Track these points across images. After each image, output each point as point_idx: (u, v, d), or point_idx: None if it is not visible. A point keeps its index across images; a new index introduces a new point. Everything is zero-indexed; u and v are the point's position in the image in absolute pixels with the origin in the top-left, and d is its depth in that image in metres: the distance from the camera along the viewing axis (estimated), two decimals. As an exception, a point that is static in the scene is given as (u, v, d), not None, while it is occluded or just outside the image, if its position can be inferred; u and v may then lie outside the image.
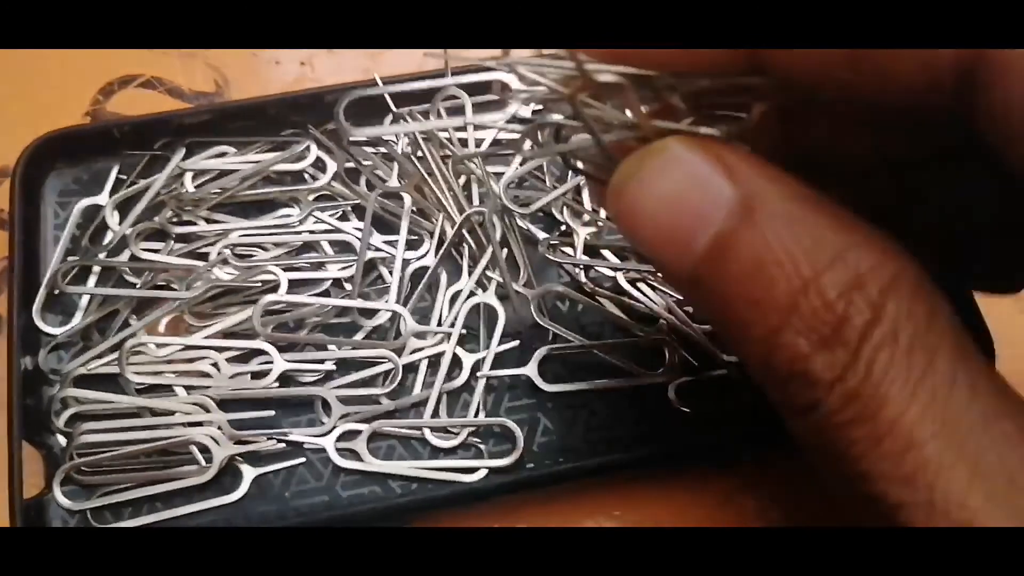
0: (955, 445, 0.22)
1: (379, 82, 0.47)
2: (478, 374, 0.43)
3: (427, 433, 0.42)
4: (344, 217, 0.46)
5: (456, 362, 0.43)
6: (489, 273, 0.44)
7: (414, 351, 0.43)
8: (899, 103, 0.24)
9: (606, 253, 0.46)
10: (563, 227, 0.46)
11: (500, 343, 0.43)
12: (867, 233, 0.24)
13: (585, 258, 0.45)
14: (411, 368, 0.43)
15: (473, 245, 0.45)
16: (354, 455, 0.41)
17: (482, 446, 0.42)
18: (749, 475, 0.43)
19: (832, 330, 0.23)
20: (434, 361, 0.43)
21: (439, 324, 0.44)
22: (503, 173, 0.47)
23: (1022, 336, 0.44)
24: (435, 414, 0.42)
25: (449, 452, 0.42)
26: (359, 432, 0.42)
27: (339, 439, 0.42)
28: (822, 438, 0.24)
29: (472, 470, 0.41)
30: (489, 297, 0.44)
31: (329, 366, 0.43)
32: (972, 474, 0.21)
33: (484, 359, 0.43)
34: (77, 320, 0.43)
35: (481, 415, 0.43)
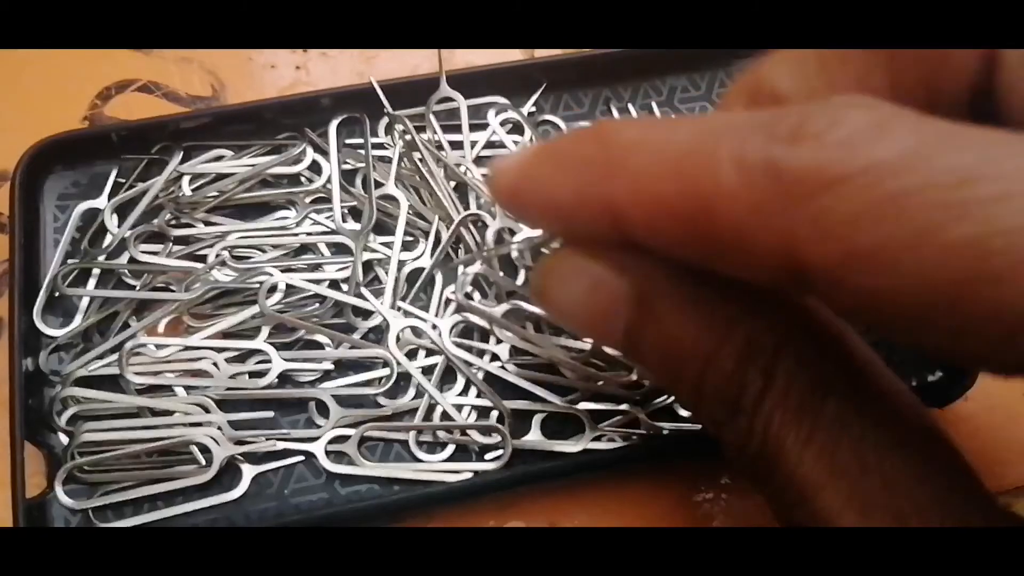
0: (845, 490, 0.24)
1: (375, 85, 0.47)
2: (471, 374, 0.43)
3: (412, 444, 0.43)
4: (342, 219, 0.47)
5: (449, 367, 0.44)
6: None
7: (408, 351, 0.44)
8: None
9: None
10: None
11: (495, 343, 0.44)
12: (754, 303, 0.26)
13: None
14: (407, 365, 0.43)
15: (472, 245, 0.46)
16: (347, 458, 0.42)
17: (473, 447, 0.43)
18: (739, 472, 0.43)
19: (734, 399, 0.25)
20: (428, 363, 0.44)
21: (434, 327, 0.44)
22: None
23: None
24: (427, 418, 0.43)
25: (443, 450, 0.43)
26: (351, 435, 0.42)
27: (331, 441, 0.42)
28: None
29: (463, 471, 0.42)
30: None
31: (327, 366, 0.43)
32: (859, 515, 0.24)
33: (477, 360, 0.44)
34: (77, 322, 0.44)
35: (473, 416, 0.43)
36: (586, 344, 0.43)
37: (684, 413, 0.43)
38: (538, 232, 0.39)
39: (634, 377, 0.43)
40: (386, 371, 0.43)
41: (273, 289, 0.44)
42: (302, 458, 0.42)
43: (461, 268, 0.45)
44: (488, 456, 0.42)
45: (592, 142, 0.25)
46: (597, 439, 0.43)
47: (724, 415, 0.26)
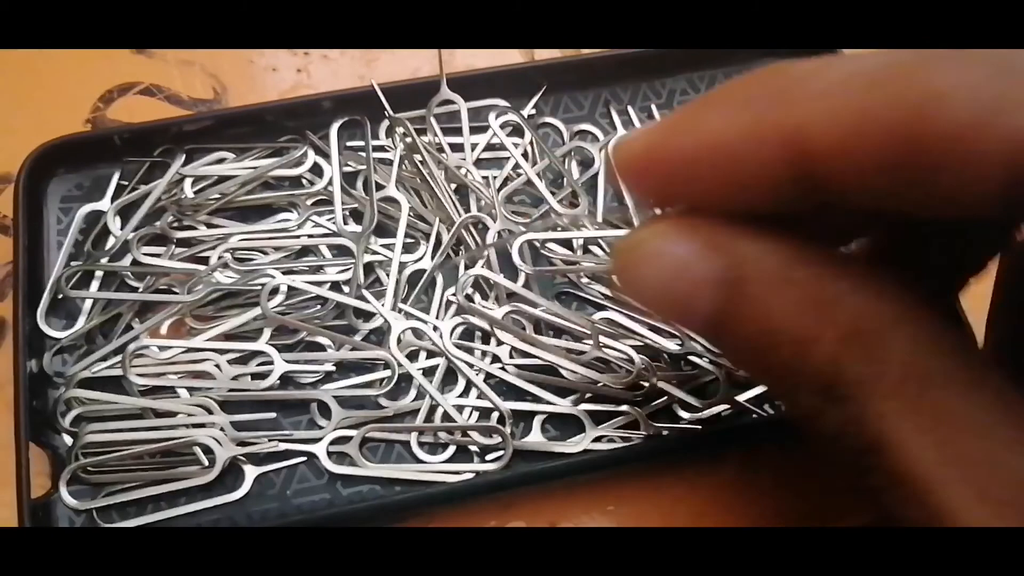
0: (974, 487, 0.22)
1: (376, 88, 0.47)
2: (472, 375, 0.44)
3: (413, 445, 0.43)
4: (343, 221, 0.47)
5: (450, 369, 0.44)
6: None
7: (409, 353, 0.44)
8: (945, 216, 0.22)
9: (598, 251, 0.47)
10: (559, 228, 0.47)
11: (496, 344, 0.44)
12: (861, 277, 0.24)
13: (576, 255, 0.46)
14: (408, 367, 0.44)
15: (472, 245, 0.46)
16: (348, 459, 0.42)
17: (473, 448, 0.43)
18: (739, 471, 0.44)
19: (835, 385, 0.23)
20: (429, 364, 0.44)
21: (435, 329, 0.44)
22: (495, 175, 0.48)
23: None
24: (428, 419, 0.43)
25: (444, 451, 0.43)
26: (352, 436, 0.42)
27: (333, 443, 0.42)
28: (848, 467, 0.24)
29: (464, 472, 0.42)
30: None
31: (329, 367, 0.44)
32: (992, 514, 0.21)
33: (478, 361, 0.44)
34: (81, 324, 0.44)
35: (474, 417, 0.43)
36: (586, 346, 0.44)
37: (684, 414, 0.44)
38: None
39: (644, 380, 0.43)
40: (387, 372, 0.43)
41: (275, 291, 0.44)
42: (304, 459, 0.42)
43: (462, 267, 0.45)
44: (489, 457, 0.43)
45: (768, 76, 0.24)
46: (597, 440, 0.43)
47: (821, 402, 0.24)
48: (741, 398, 0.44)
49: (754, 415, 0.44)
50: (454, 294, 0.45)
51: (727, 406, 0.44)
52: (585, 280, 0.46)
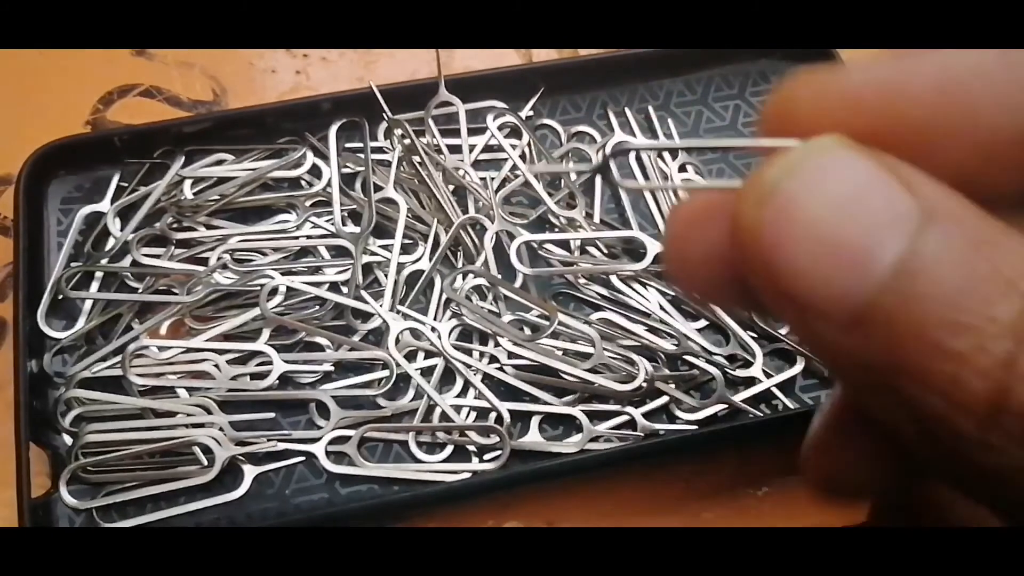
0: None
1: (374, 90, 0.48)
2: (469, 376, 0.44)
3: (411, 445, 0.43)
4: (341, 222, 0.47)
5: (447, 369, 0.44)
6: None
7: (407, 353, 0.44)
8: None
9: (596, 252, 0.47)
10: (556, 229, 0.47)
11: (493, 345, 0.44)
12: None
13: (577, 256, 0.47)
14: (406, 367, 0.44)
15: (471, 246, 0.46)
16: (347, 459, 0.43)
17: (471, 447, 0.43)
18: (735, 470, 0.44)
19: None
20: (427, 364, 0.45)
21: (433, 329, 0.45)
22: (493, 177, 0.48)
23: None
24: (426, 419, 0.43)
25: (442, 451, 0.43)
26: (351, 436, 0.43)
27: (331, 442, 0.43)
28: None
29: (462, 471, 0.43)
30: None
31: (327, 367, 0.44)
32: None
33: (476, 362, 0.44)
34: (81, 324, 0.44)
35: (472, 417, 0.44)
36: (584, 348, 0.44)
37: (681, 415, 0.44)
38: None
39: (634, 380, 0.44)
40: (386, 373, 0.43)
41: (274, 292, 0.44)
42: (303, 458, 0.43)
43: (460, 279, 0.45)
44: (487, 456, 0.43)
45: None
46: (594, 440, 0.43)
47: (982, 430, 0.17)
48: (737, 398, 0.44)
49: (750, 415, 0.44)
50: (454, 289, 0.45)
51: (723, 406, 0.44)
52: (583, 281, 0.46)
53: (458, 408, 0.44)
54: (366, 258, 0.46)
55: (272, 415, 0.43)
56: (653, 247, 0.46)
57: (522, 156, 0.49)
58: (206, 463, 0.42)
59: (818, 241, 0.18)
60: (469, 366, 0.44)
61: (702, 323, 0.46)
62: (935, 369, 0.17)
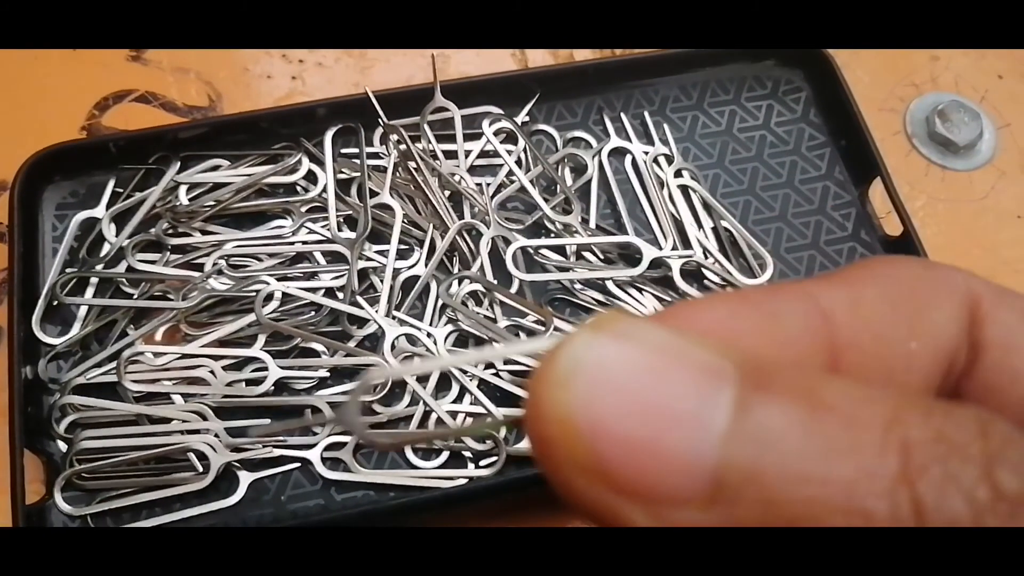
0: None
1: (370, 96, 0.48)
2: (465, 381, 0.44)
3: (407, 450, 0.43)
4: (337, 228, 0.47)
5: (443, 375, 0.44)
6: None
7: (403, 359, 0.44)
8: None
9: (591, 258, 0.47)
10: (552, 235, 0.47)
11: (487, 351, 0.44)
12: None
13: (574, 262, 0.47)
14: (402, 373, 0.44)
15: (467, 252, 0.46)
16: (343, 464, 0.43)
17: (467, 453, 0.43)
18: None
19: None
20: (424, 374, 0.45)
21: (429, 335, 0.45)
22: (488, 182, 0.48)
23: None
24: (422, 424, 0.43)
25: (437, 457, 0.43)
26: (346, 442, 0.43)
27: (327, 448, 0.43)
28: None
29: (458, 477, 0.43)
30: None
31: (323, 373, 0.44)
32: None
33: (472, 368, 0.44)
34: (76, 330, 0.44)
35: (468, 422, 0.44)
36: None
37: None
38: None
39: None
40: (381, 379, 0.43)
41: (269, 297, 0.44)
42: (298, 465, 0.42)
43: (456, 284, 0.45)
44: (482, 463, 0.43)
45: None
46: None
47: None
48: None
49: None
50: (450, 295, 0.45)
51: None
52: (579, 286, 0.46)
53: (454, 414, 0.43)
54: (362, 264, 0.46)
55: (268, 422, 0.43)
56: (649, 253, 0.46)
57: (518, 161, 0.49)
58: (201, 469, 0.42)
59: (643, 406, 0.16)
60: (465, 372, 0.44)
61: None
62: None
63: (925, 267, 0.22)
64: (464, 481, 0.42)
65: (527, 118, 0.51)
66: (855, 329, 0.20)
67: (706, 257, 0.48)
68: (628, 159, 0.51)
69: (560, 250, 0.47)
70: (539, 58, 0.55)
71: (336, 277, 0.46)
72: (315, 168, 0.48)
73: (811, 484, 0.15)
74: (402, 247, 0.47)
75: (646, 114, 0.52)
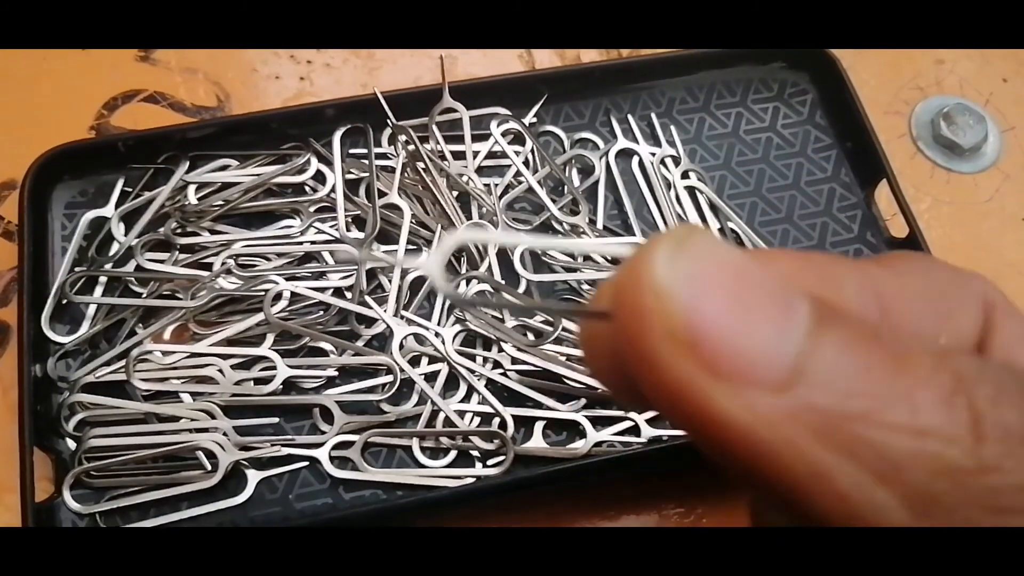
0: None
1: (378, 96, 0.48)
2: (473, 381, 0.44)
3: (415, 450, 0.43)
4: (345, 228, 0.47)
5: (451, 374, 0.45)
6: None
7: (411, 358, 0.44)
8: None
9: (599, 258, 0.47)
10: (559, 235, 0.48)
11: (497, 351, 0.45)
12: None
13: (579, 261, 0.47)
14: (410, 372, 0.44)
15: (475, 252, 0.46)
16: (350, 464, 0.43)
17: (475, 452, 0.43)
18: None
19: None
20: (431, 370, 0.45)
21: (437, 335, 0.45)
22: (496, 183, 0.48)
23: None
24: (430, 424, 0.44)
25: (445, 456, 0.43)
26: (355, 441, 0.43)
27: (335, 447, 0.43)
28: None
29: (466, 476, 0.43)
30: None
31: (331, 372, 0.44)
32: None
33: (480, 367, 0.44)
34: (85, 329, 0.44)
35: (475, 422, 0.44)
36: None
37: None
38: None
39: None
40: (389, 378, 0.44)
41: (278, 297, 0.44)
42: (306, 463, 0.43)
43: (464, 283, 0.46)
44: (490, 462, 0.43)
45: None
46: (598, 445, 0.43)
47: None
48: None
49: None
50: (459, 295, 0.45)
51: None
52: (586, 286, 0.47)
53: (462, 413, 0.44)
54: (370, 263, 0.46)
55: (276, 420, 0.43)
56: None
57: (525, 162, 0.49)
58: (210, 468, 0.42)
59: (738, 295, 0.17)
60: (473, 371, 0.44)
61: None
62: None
63: (956, 272, 0.23)
64: (472, 480, 0.42)
65: (535, 119, 0.51)
66: (898, 314, 0.22)
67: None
68: (635, 160, 0.51)
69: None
70: (546, 60, 0.55)
71: (344, 277, 0.46)
72: (323, 168, 0.48)
73: (871, 398, 0.17)
74: (410, 247, 0.47)
75: (653, 116, 0.52)
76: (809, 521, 0.18)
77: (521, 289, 0.46)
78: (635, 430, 0.44)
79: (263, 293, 0.44)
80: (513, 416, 0.43)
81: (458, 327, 0.45)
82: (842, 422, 0.17)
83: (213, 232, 0.47)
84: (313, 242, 0.47)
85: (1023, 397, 0.17)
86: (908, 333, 0.22)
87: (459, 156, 0.49)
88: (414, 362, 0.44)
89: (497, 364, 0.44)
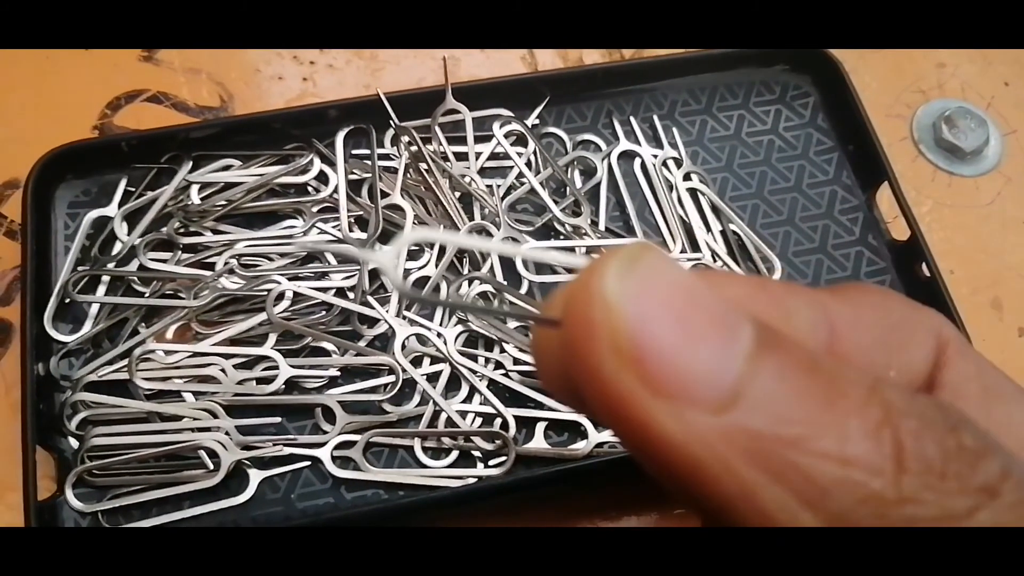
0: None
1: (381, 97, 0.48)
2: (475, 381, 0.44)
3: (417, 450, 0.43)
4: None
5: (453, 375, 0.45)
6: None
7: (413, 359, 0.44)
8: None
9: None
10: (561, 236, 0.48)
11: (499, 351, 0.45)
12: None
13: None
14: (412, 373, 0.44)
15: (477, 253, 0.46)
16: (352, 463, 0.43)
17: (476, 453, 0.43)
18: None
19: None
20: (433, 370, 0.45)
21: (439, 335, 0.45)
22: (499, 184, 0.48)
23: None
24: (432, 424, 0.44)
25: (447, 456, 0.43)
26: (357, 441, 0.43)
27: (337, 447, 0.43)
28: None
29: (468, 476, 0.43)
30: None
31: (333, 372, 0.44)
32: None
33: (482, 368, 0.44)
34: (87, 328, 0.45)
35: (477, 422, 0.44)
36: None
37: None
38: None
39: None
40: (391, 378, 0.44)
41: (280, 297, 0.45)
42: (308, 463, 0.43)
43: (466, 284, 0.46)
44: (492, 462, 0.43)
45: None
46: (599, 446, 0.43)
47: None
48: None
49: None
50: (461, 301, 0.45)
51: None
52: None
53: (464, 414, 0.44)
54: (372, 264, 0.46)
55: (278, 419, 0.43)
56: (658, 255, 0.46)
57: (528, 164, 0.49)
58: (212, 467, 0.42)
59: (684, 316, 0.18)
60: (475, 372, 0.44)
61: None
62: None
63: (912, 307, 0.24)
64: (473, 480, 0.42)
65: (537, 121, 0.52)
66: (850, 346, 0.23)
67: (714, 260, 0.48)
68: (637, 162, 0.51)
69: (570, 252, 0.47)
70: (549, 61, 0.55)
71: (347, 277, 0.46)
72: (326, 169, 0.48)
73: (803, 425, 0.18)
74: (413, 248, 0.47)
75: (655, 118, 0.53)
76: None
77: (523, 290, 0.46)
78: (636, 431, 0.44)
79: (266, 293, 0.44)
80: (514, 417, 0.43)
81: (460, 328, 0.45)
82: (774, 446, 0.18)
83: (216, 232, 0.47)
84: (316, 242, 0.47)
85: (946, 432, 0.18)
86: (858, 364, 0.22)
87: (462, 157, 0.49)
88: (416, 362, 0.44)
89: (499, 365, 0.45)
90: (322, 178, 0.48)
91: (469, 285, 0.46)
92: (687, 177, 0.51)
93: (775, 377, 0.18)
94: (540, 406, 0.44)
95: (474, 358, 0.45)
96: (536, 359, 0.22)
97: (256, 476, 0.42)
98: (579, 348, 0.18)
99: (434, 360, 0.45)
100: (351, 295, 0.45)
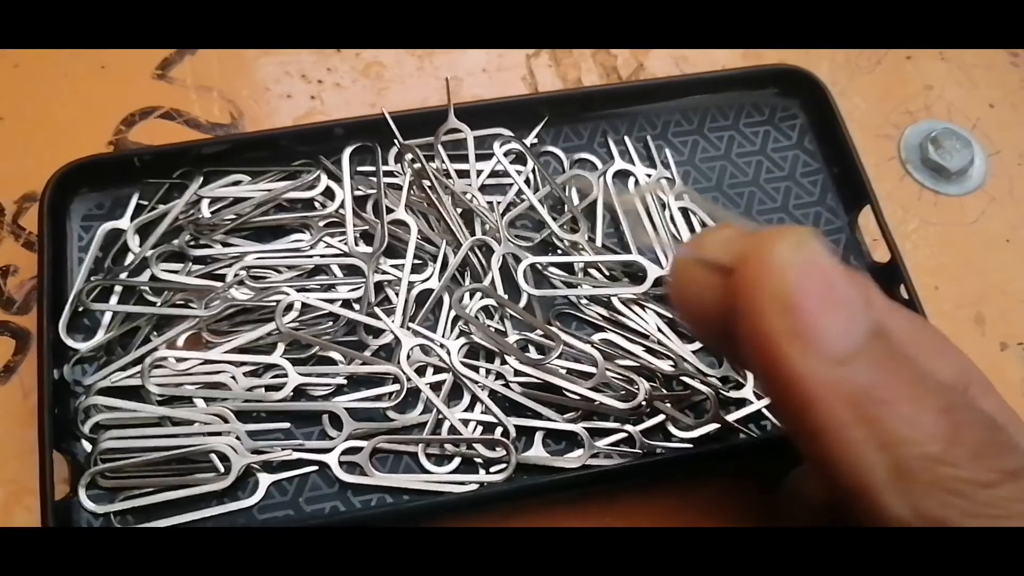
0: None
1: (386, 116, 0.50)
2: (477, 391, 0.45)
3: (421, 456, 0.45)
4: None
5: (456, 384, 0.46)
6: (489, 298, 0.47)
7: (417, 368, 0.46)
8: None
9: (597, 275, 0.49)
10: (559, 252, 0.49)
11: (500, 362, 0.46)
12: None
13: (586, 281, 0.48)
14: (416, 381, 0.45)
15: (478, 267, 0.48)
16: (359, 468, 0.44)
17: (478, 460, 0.45)
18: (728, 485, 0.46)
19: None
20: (436, 379, 0.46)
21: (442, 346, 0.46)
22: (499, 201, 0.50)
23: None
24: (435, 431, 0.45)
25: (450, 462, 0.45)
26: (363, 447, 0.44)
27: (344, 453, 0.44)
28: None
29: (469, 482, 0.44)
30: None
31: (340, 381, 0.46)
32: None
33: (483, 378, 0.46)
34: (101, 335, 0.46)
35: (479, 430, 0.45)
36: (587, 368, 0.46)
37: (676, 433, 0.46)
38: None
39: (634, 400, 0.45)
40: (396, 387, 0.45)
41: (289, 307, 0.46)
42: (316, 468, 0.44)
43: (467, 295, 0.47)
44: (493, 469, 0.45)
45: None
46: (595, 455, 0.45)
47: None
48: (730, 418, 0.46)
49: (742, 434, 0.46)
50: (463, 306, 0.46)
51: (717, 425, 0.46)
52: (584, 301, 0.48)
53: (466, 422, 0.45)
54: (378, 277, 0.47)
55: (287, 425, 0.45)
56: (652, 271, 0.48)
57: (527, 181, 0.51)
58: (222, 470, 0.43)
59: (831, 291, 0.26)
60: (476, 382, 0.46)
61: (697, 345, 0.48)
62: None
63: (944, 339, 0.34)
64: (475, 486, 0.44)
65: (535, 140, 0.53)
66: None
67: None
68: (631, 181, 0.53)
69: (567, 267, 0.49)
70: (548, 82, 0.57)
71: (353, 289, 0.47)
72: (333, 185, 0.50)
73: (892, 391, 0.26)
74: (416, 261, 0.48)
75: (648, 138, 0.54)
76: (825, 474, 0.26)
77: (522, 303, 0.47)
78: (630, 441, 0.45)
79: (274, 304, 0.46)
80: (515, 426, 0.45)
81: (463, 339, 0.47)
82: (868, 400, 0.25)
83: (225, 245, 0.49)
84: (323, 255, 0.48)
85: (989, 429, 0.26)
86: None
87: (463, 175, 0.51)
88: (420, 372, 0.46)
89: (500, 375, 0.46)
90: (329, 194, 0.50)
91: (471, 296, 0.47)
92: (679, 197, 0.52)
93: (882, 354, 0.26)
94: (539, 416, 0.45)
95: (476, 369, 0.46)
96: (679, 296, 0.30)
97: (265, 480, 0.44)
98: (748, 291, 0.26)
99: (437, 370, 0.46)
100: (357, 307, 0.47)
